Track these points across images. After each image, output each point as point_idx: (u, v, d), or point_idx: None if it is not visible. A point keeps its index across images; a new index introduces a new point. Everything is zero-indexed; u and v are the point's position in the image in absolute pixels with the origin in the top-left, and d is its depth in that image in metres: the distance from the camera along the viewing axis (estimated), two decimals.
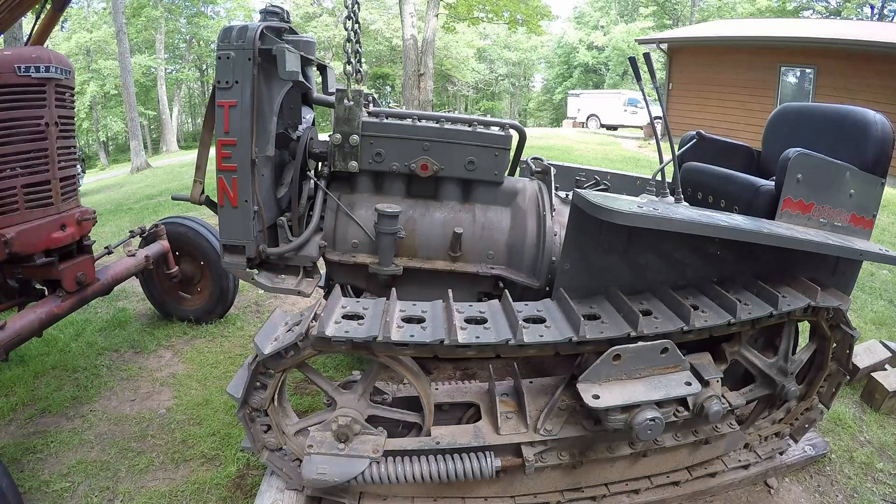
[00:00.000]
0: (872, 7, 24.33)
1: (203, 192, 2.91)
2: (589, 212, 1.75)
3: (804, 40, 11.93)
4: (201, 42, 29.92)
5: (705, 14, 27.76)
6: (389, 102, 37.25)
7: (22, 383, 3.04)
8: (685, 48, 14.85)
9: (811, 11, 25.09)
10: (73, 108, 2.58)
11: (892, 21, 22.62)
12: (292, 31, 2.36)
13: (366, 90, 2.37)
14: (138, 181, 12.74)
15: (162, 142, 26.19)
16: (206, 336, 3.63)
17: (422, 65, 11.12)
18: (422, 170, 2.29)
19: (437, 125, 2.30)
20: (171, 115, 26.52)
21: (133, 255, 3.21)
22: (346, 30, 2.22)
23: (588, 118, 23.62)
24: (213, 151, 2.32)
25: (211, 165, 2.35)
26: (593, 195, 1.79)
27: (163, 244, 3.42)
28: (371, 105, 2.45)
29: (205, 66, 31.63)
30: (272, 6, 2.33)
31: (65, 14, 2.91)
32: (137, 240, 3.45)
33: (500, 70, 37.60)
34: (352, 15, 2.21)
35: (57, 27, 2.91)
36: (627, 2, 33.16)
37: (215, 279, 3.58)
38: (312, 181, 2.44)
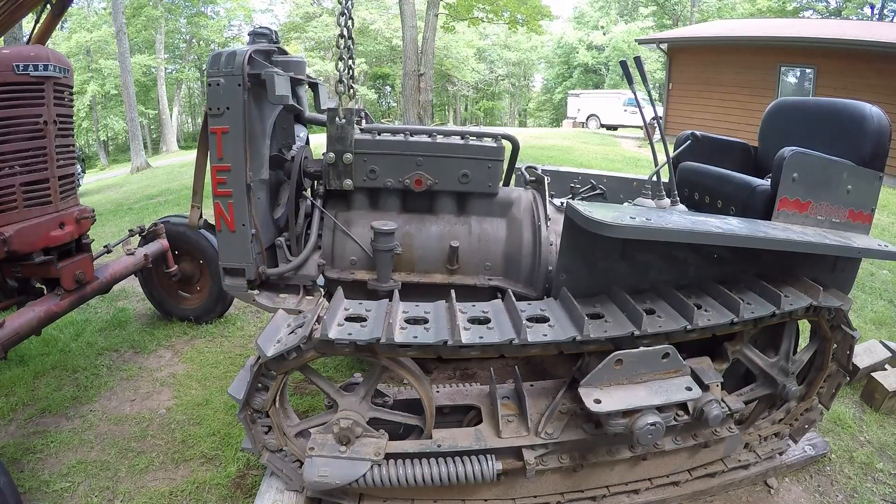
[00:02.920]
0: (872, 7, 24.34)
1: (201, 216, 2.95)
2: (582, 225, 1.75)
3: (804, 40, 11.92)
4: (201, 42, 29.90)
5: (705, 14, 27.75)
6: (389, 102, 37.27)
7: (22, 383, 3.04)
8: (685, 48, 14.84)
9: (811, 11, 25.08)
10: (72, 106, 2.58)
11: (892, 21, 22.62)
12: (282, 52, 2.37)
13: (357, 106, 2.38)
14: (138, 181, 12.73)
15: (162, 142, 26.19)
16: (206, 336, 3.63)
17: (422, 65, 11.10)
18: (416, 185, 2.30)
19: (430, 139, 2.30)
20: (171, 115, 26.51)
21: (132, 254, 3.21)
22: (338, 48, 2.21)
23: (588, 118, 23.62)
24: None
25: (207, 188, 2.36)
26: (585, 207, 1.79)
27: (162, 243, 3.42)
28: (364, 121, 2.45)
29: (205, 66, 31.58)
30: (260, 28, 2.35)
31: (65, 14, 2.91)
32: (136, 238, 3.45)
33: (500, 70, 37.56)
34: (344, 33, 2.20)
35: (57, 27, 2.91)
36: (627, 2, 33.14)
37: (215, 278, 3.58)
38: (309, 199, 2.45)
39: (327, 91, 2.70)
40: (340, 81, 2.17)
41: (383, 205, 2.41)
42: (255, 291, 2.31)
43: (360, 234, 2.33)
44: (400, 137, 2.29)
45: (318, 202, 2.37)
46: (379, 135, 2.31)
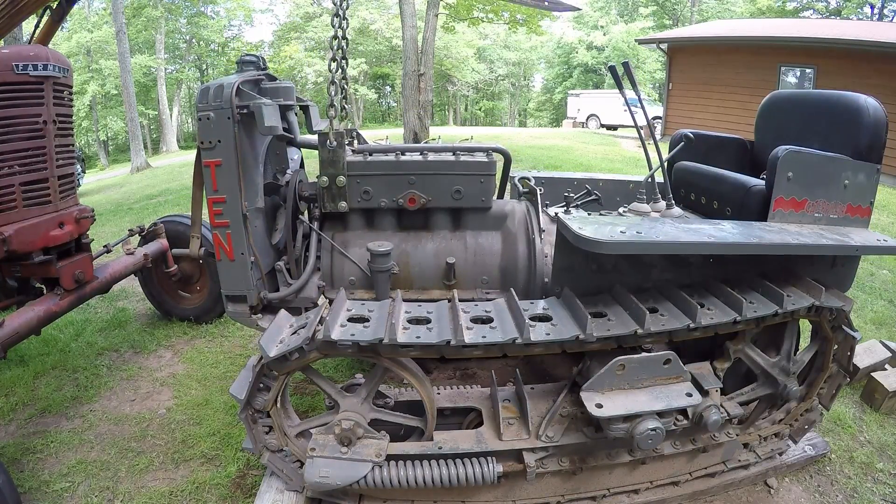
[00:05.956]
0: (872, 7, 24.32)
1: (202, 245, 2.95)
2: (572, 242, 1.76)
3: (804, 40, 11.92)
4: (201, 42, 29.87)
5: (705, 14, 27.74)
6: (389, 102, 37.23)
7: (22, 383, 3.03)
8: (685, 48, 14.84)
9: (811, 11, 25.07)
10: (72, 106, 2.58)
11: (892, 21, 22.62)
12: (270, 78, 2.39)
13: (349, 127, 2.39)
14: (138, 181, 12.73)
15: (162, 142, 26.16)
16: (206, 336, 3.62)
17: (422, 65, 11.08)
18: (409, 203, 2.32)
19: (421, 157, 2.32)
20: (171, 115, 26.48)
21: (132, 254, 3.20)
22: (329, 71, 2.19)
23: (588, 118, 23.60)
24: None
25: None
26: (576, 223, 1.79)
27: (162, 243, 3.42)
28: (355, 141, 2.46)
29: (205, 66, 31.59)
30: (247, 56, 2.38)
31: (66, 18, 2.91)
32: (136, 238, 3.44)
33: (500, 70, 37.51)
34: (336, 56, 2.20)
35: (57, 30, 2.93)
36: (627, 2, 33.13)
37: (214, 278, 3.58)
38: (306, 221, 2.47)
39: (319, 112, 2.70)
40: (332, 105, 2.18)
41: (379, 224, 2.43)
42: (258, 316, 2.34)
43: (357, 255, 2.36)
44: (391, 157, 2.31)
45: (315, 225, 2.40)
46: (370, 156, 2.33)
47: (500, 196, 2.81)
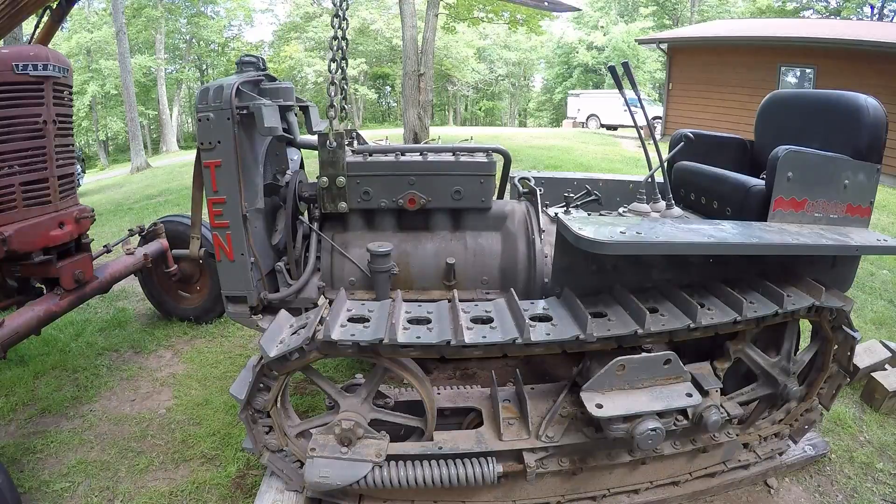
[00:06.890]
0: (872, 7, 24.31)
1: (201, 246, 2.94)
2: (572, 242, 1.76)
3: (804, 40, 11.92)
4: (201, 42, 29.88)
5: (705, 14, 27.74)
6: (389, 102, 37.23)
7: (22, 383, 3.03)
8: (685, 48, 14.84)
9: (811, 11, 25.07)
10: (72, 106, 2.58)
11: (892, 21, 22.61)
12: (270, 78, 2.39)
13: (349, 126, 2.40)
14: (138, 181, 12.73)
15: (162, 142, 26.16)
16: (206, 336, 3.62)
17: (422, 65, 11.08)
18: (409, 204, 2.32)
19: (421, 158, 2.32)
20: (171, 115, 26.48)
21: (132, 254, 3.20)
22: (329, 72, 2.19)
23: (588, 118, 23.59)
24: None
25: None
26: (575, 223, 1.80)
27: (161, 242, 3.42)
28: (355, 142, 2.46)
29: (205, 67, 31.60)
30: (247, 56, 2.38)
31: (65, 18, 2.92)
32: (136, 238, 3.44)
33: (500, 70, 37.50)
34: (336, 57, 2.19)
35: (57, 31, 2.94)
36: (627, 2, 33.12)
37: (214, 278, 3.58)
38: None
39: (318, 112, 2.70)
40: (331, 106, 2.18)
41: (379, 225, 2.43)
42: (259, 317, 2.35)
43: (357, 255, 2.36)
44: (391, 158, 2.31)
45: (315, 225, 2.40)
46: (370, 156, 2.33)
47: (500, 196, 2.81)
